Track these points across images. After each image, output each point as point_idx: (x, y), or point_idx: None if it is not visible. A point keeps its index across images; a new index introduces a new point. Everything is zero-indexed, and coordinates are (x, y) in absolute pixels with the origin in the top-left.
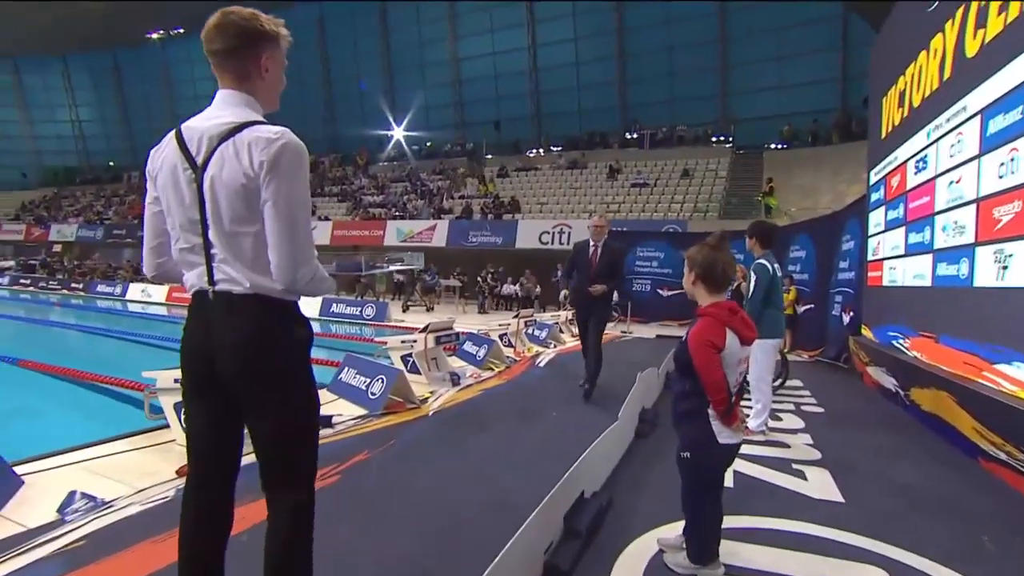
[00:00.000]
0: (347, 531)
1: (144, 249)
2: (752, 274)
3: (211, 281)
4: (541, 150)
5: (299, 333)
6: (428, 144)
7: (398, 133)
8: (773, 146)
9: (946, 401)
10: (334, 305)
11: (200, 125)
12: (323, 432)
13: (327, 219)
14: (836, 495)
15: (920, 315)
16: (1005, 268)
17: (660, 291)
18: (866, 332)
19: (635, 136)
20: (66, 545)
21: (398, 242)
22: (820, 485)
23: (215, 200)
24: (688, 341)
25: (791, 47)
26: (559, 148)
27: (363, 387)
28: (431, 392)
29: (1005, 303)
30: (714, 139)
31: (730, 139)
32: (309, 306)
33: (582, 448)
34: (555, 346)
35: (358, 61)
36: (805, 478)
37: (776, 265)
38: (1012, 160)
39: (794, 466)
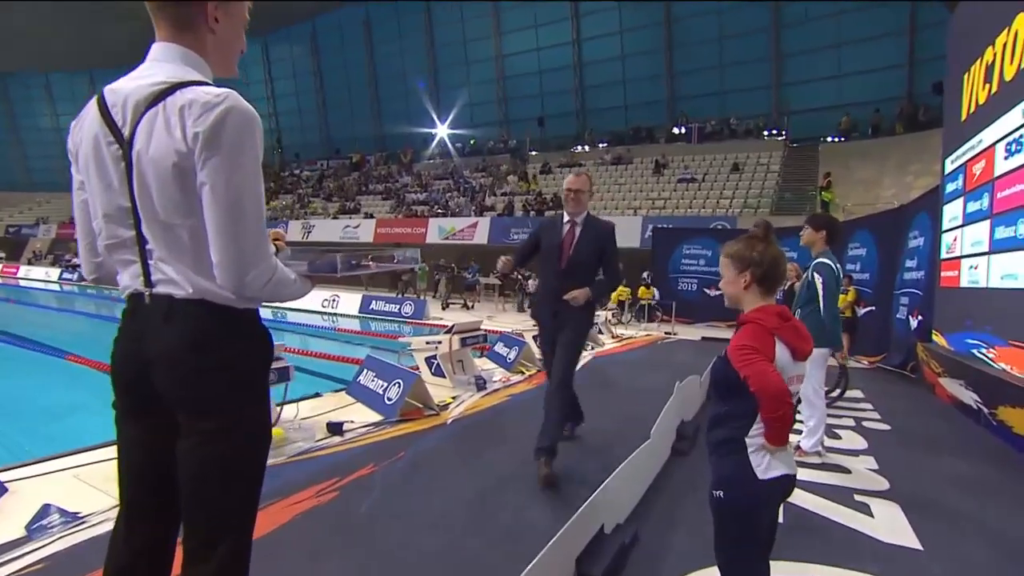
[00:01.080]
0: (333, 567)
1: (79, 247)
2: (816, 276)
3: (148, 282)
4: (586, 146)
5: (250, 348)
6: (472, 142)
7: (442, 131)
8: (829, 139)
9: None
10: (374, 302)
11: (125, 87)
12: (330, 441)
13: (371, 216)
14: (911, 539)
15: (1012, 322)
16: None
17: (707, 290)
18: (938, 338)
19: (683, 131)
20: (21, 569)
21: (440, 239)
22: (890, 524)
23: (144, 183)
24: (728, 353)
25: (851, 33)
26: (604, 144)
27: (380, 391)
28: (453, 397)
29: None
30: (766, 132)
31: (783, 132)
32: (352, 303)
33: (610, 469)
34: (592, 348)
35: (403, 59)
36: (871, 513)
37: (838, 265)
38: None
39: (856, 497)
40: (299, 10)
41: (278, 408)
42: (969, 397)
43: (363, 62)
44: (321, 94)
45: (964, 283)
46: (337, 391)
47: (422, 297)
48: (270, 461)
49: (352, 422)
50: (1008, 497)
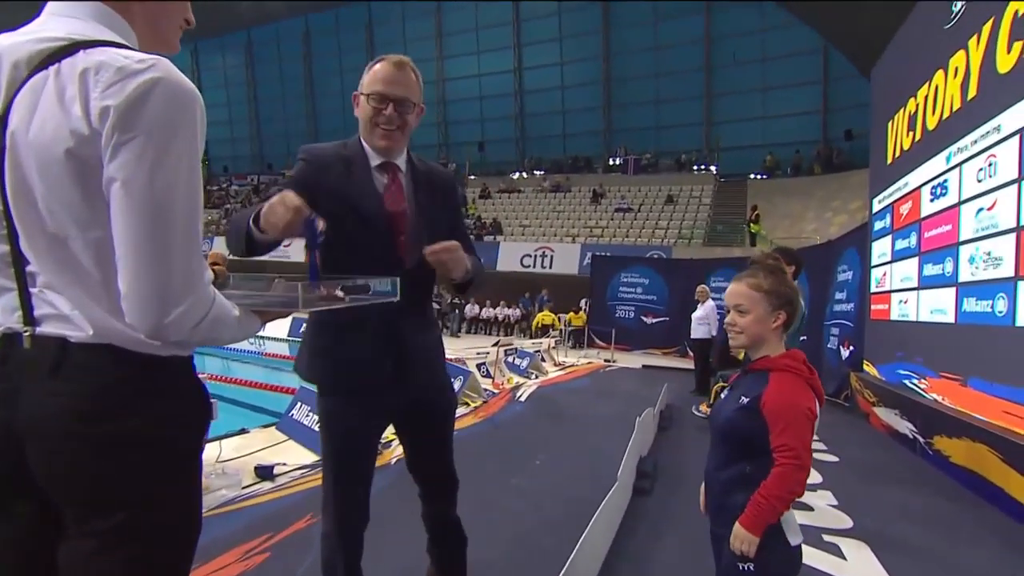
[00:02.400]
0: None
1: None
2: None
3: (28, 319)
4: (524, 173)
5: (175, 413)
6: None
7: None
8: (754, 176)
9: (987, 456)
10: (304, 326)
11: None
12: (260, 487)
13: None
14: None
15: (940, 354)
16: None
17: (644, 318)
18: (870, 368)
19: (619, 162)
20: None
21: None
22: (864, 569)
23: (21, 178)
24: (769, 408)
25: (774, 78)
26: (543, 171)
27: (315, 427)
28: (395, 435)
29: None
30: (696, 168)
31: (713, 167)
32: (276, 325)
33: (578, 512)
34: (536, 376)
35: (343, 77)
36: (843, 556)
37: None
38: None
39: (825, 538)
40: (234, 19)
41: None
42: (905, 427)
43: (301, 77)
44: (254, 106)
45: (895, 316)
46: (266, 426)
47: None
48: None
49: (284, 464)
50: (966, 532)
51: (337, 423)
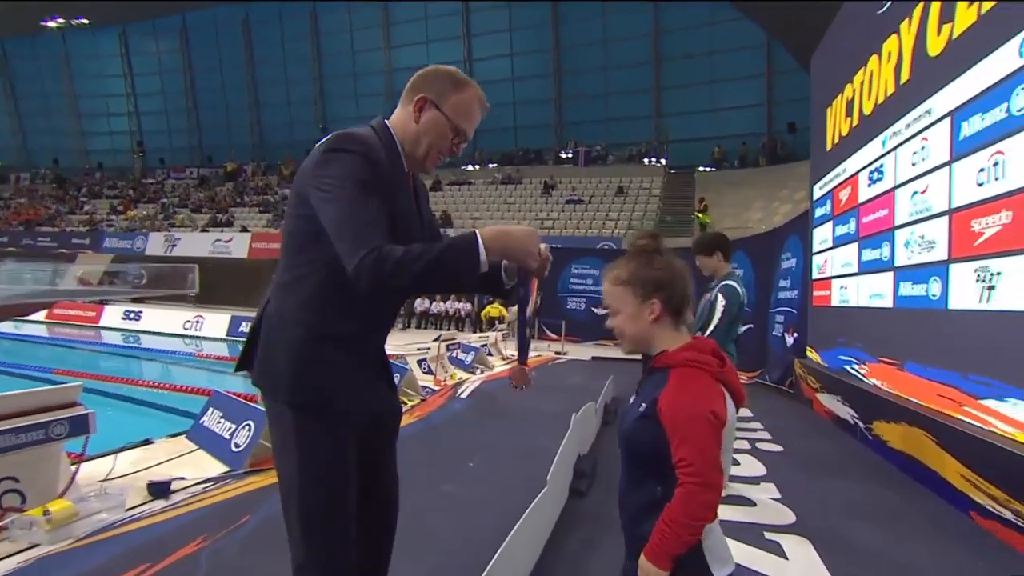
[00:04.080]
0: None
1: None
2: (719, 297)
3: None
4: (476, 165)
5: None
6: None
7: None
8: (702, 168)
9: (923, 441)
10: (242, 324)
11: None
12: (150, 508)
13: (246, 230)
14: None
15: (879, 339)
16: (991, 288)
17: (595, 309)
18: (813, 355)
19: (570, 154)
20: None
21: None
22: (807, 569)
23: None
24: (664, 412)
25: (721, 72)
26: (494, 163)
27: (227, 435)
28: None
29: (992, 329)
30: (645, 160)
31: (663, 159)
32: (217, 325)
33: (506, 521)
34: (481, 371)
35: (286, 66)
36: (784, 555)
37: (744, 289)
38: (996, 165)
39: (766, 535)
40: (166, 4)
41: (73, 469)
42: (846, 412)
43: (241, 64)
44: (192, 96)
45: (835, 302)
46: (174, 436)
47: None
48: (46, 551)
49: (183, 479)
50: (907, 525)
51: (340, 441)
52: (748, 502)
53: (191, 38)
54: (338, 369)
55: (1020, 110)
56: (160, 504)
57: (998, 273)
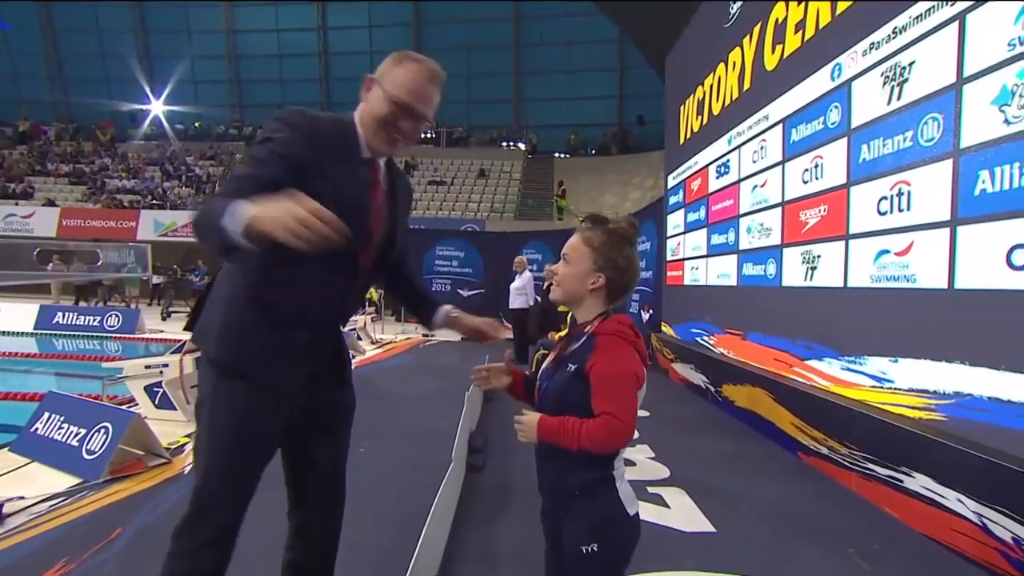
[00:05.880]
0: None
1: None
2: None
3: None
4: None
5: None
6: (197, 124)
7: (156, 107)
8: (558, 154)
9: (763, 398)
10: (60, 315)
11: None
12: None
13: (53, 204)
14: (705, 524)
15: (726, 313)
16: (813, 268)
17: (461, 291)
18: (667, 329)
19: (432, 134)
20: None
21: (156, 235)
22: (685, 513)
23: None
24: (594, 372)
25: (579, 62)
26: None
27: (75, 442)
28: (189, 435)
29: (813, 302)
30: (504, 143)
31: (523, 143)
32: (22, 317)
33: (412, 501)
34: (353, 357)
35: (97, 14)
36: (667, 504)
37: None
38: (816, 167)
39: (649, 489)
40: None
41: None
42: (698, 379)
43: (34, 5)
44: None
45: (687, 281)
46: None
47: (133, 306)
48: None
49: (22, 498)
50: (751, 467)
51: (250, 406)
52: (630, 463)
53: None
54: (260, 338)
55: (833, 123)
56: None
57: (818, 256)
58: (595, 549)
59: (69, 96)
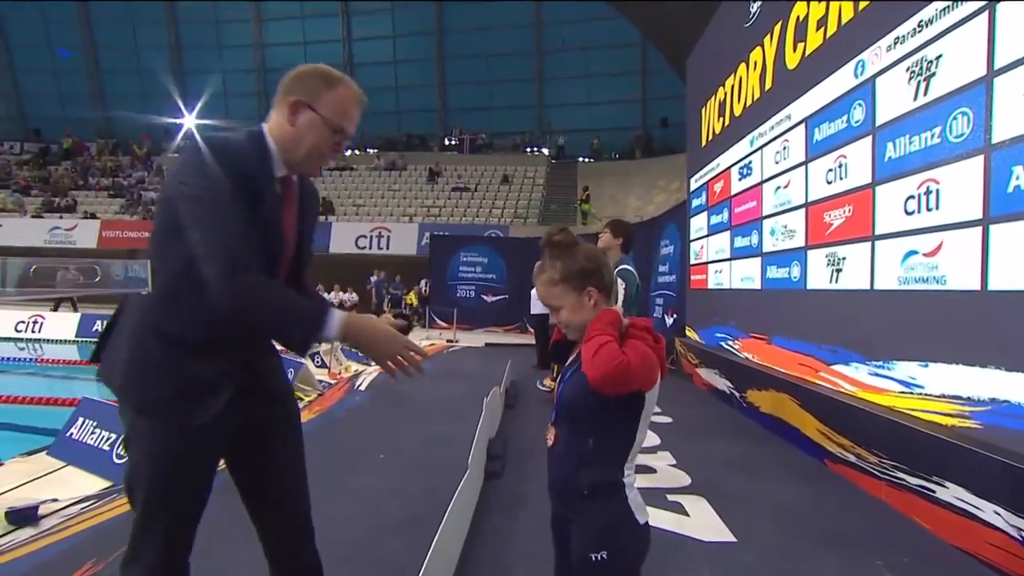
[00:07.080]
0: None
1: None
2: (619, 281)
3: None
4: (356, 150)
5: None
6: None
7: (189, 121)
8: (582, 159)
9: (788, 403)
10: (98, 323)
11: None
12: (22, 535)
13: (94, 216)
14: (726, 533)
15: (750, 317)
16: (839, 271)
17: (484, 297)
18: (691, 333)
19: (455, 141)
20: None
21: None
22: (705, 521)
23: None
24: (584, 349)
25: (599, 66)
26: (374, 149)
27: (106, 447)
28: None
29: (839, 305)
30: (528, 149)
31: (545, 149)
32: (65, 325)
33: (429, 507)
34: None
35: (136, 31)
36: (686, 512)
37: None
38: (840, 166)
39: (669, 498)
40: None
41: None
42: (723, 384)
43: (74, 22)
44: (6, 55)
45: (711, 285)
46: (31, 453)
47: None
48: None
49: (55, 500)
50: (776, 474)
51: (167, 444)
52: (650, 470)
53: None
54: (168, 374)
55: (857, 121)
56: (28, 532)
57: (843, 258)
58: (604, 557)
59: (108, 112)
